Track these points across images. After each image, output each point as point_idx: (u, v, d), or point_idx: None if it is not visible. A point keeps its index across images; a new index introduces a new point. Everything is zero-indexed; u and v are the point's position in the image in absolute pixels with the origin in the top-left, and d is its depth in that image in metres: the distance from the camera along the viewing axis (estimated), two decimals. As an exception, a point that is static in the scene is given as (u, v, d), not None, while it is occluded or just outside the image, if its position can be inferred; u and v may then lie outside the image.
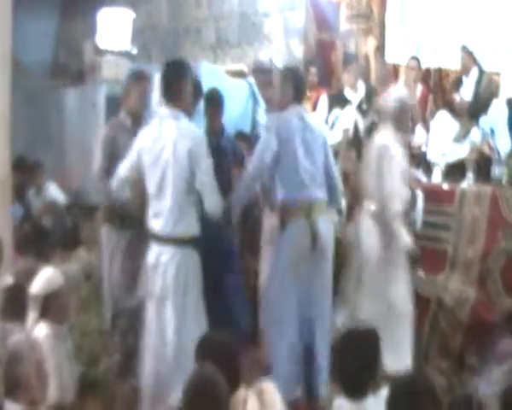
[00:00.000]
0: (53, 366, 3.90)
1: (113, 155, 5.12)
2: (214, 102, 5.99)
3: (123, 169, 4.79)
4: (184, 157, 4.54)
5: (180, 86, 4.72)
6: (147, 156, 4.65)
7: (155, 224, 4.63)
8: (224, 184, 5.04)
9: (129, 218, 5.07)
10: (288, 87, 5.14)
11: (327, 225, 5.04)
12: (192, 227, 4.64)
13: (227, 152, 5.96)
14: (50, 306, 4.36)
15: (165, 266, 4.56)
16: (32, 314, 4.38)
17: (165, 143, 4.59)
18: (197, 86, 5.49)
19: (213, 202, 4.62)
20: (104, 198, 5.27)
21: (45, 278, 4.46)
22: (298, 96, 5.18)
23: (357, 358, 3.34)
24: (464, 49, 7.03)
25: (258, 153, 5.06)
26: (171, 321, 4.57)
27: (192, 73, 4.98)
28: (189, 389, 3.08)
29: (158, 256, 4.59)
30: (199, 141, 4.67)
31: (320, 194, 5.02)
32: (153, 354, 4.62)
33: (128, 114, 5.43)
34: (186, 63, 5.04)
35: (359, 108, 7.48)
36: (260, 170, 5.07)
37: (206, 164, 4.62)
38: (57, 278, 4.49)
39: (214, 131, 5.81)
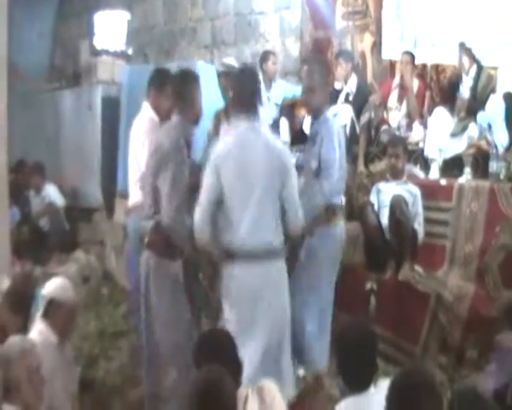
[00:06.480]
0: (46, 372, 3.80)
1: None
2: None
3: (208, 203, 4.24)
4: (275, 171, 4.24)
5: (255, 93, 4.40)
6: (228, 172, 4.23)
7: (237, 239, 4.20)
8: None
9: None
10: (326, 87, 5.02)
11: None
12: (279, 237, 4.30)
13: None
14: (53, 313, 4.32)
15: (256, 289, 4.21)
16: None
17: (251, 154, 4.25)
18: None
19: (297, 220, 4.34)
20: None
21: (56, 283, 4.45)
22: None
23: (358, 352, 3.32)
24: (462, 46, 6.91)
25: (333, 174, 4.79)
26: None
27: None
28: (198, 390, 2.95)
29: (242, 280, 4.20)
30: (288, 154, 4.49)
31: None
32: None
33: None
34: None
35: (346, 99, 7.45)
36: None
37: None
38: (67, 290, 4.47)
39: None
